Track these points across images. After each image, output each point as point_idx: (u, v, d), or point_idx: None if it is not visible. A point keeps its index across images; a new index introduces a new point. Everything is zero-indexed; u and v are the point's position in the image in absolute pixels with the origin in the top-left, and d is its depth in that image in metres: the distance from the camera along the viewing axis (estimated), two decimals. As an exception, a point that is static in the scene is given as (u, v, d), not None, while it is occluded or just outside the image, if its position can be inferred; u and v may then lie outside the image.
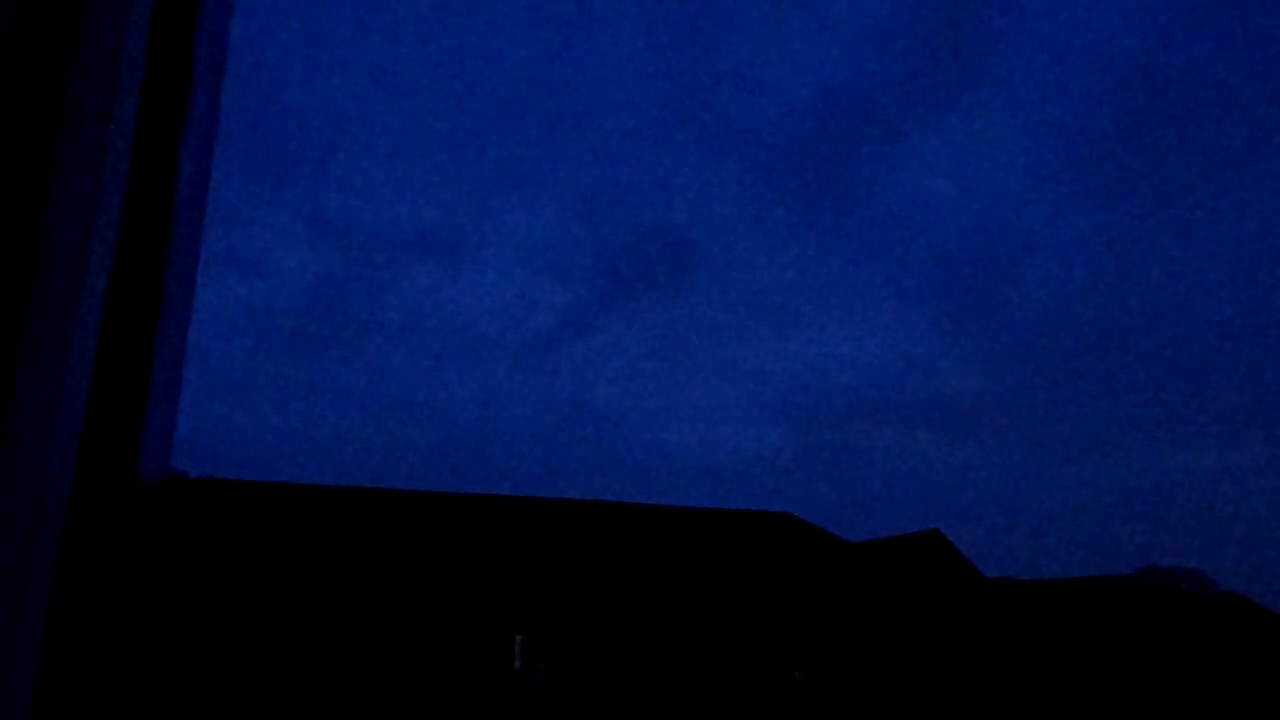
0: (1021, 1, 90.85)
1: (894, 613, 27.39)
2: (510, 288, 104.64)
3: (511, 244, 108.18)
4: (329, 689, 22.76)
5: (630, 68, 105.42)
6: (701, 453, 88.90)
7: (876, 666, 26.19)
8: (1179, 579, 32.02)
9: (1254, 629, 29.91)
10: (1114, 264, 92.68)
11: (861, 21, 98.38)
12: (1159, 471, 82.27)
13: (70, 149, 0.87)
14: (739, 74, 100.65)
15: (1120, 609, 30.03)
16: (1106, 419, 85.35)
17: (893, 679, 25.99)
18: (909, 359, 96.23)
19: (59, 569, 0.82)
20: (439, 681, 24.68)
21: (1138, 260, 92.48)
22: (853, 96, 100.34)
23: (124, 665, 0.97)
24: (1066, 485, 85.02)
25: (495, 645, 25.29)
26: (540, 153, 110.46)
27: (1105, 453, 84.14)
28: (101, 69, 0.90)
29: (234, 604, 23.97)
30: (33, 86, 0.86)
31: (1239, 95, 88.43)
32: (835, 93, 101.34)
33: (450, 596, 25.52)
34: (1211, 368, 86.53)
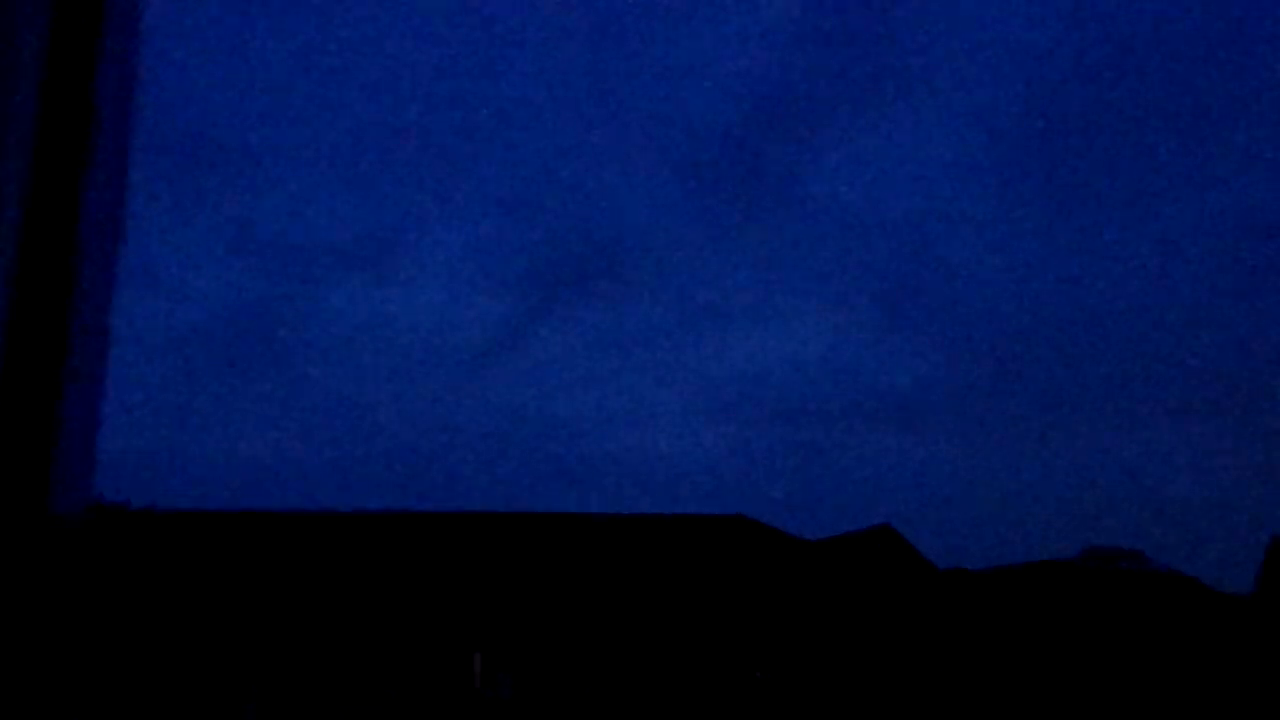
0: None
1: (850, 608, 27.65)
2: (443, 298, 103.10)
3: (442, 253, 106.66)
4: (283, 720, 22.17)
5: (552, 69, 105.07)
6: (650, 459, 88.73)
7: (835, 662, 26.38)
8: (1120, 559, 32.30)
9: (1193, 605, 30.69)
10: (1046, 253, 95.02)
11: (783, 18, 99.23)
12: (1099, 454, 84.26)
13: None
14: (661, 72, 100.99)
15: (1065, 592, 30.52)
16: (1046, 405, 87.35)
17: (851, 673, 26.18)
18: (849, 354, 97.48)
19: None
20: (397, 706, 24.22)
21: (1070, 249, 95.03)
22: (777, 93, 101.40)
23: (49, 707, 0.91)
24: (1011, 472, 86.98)
25: (454, 664, 24.94)
26: (466, 158, 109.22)
27: (1046, 438, 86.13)
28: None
29: (179, 638, 23.24)
30: None
31: (1162, 88, 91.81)
32: (760, 89, 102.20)
33: (404, 617, 25.10)
34: (1145, 353, 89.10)
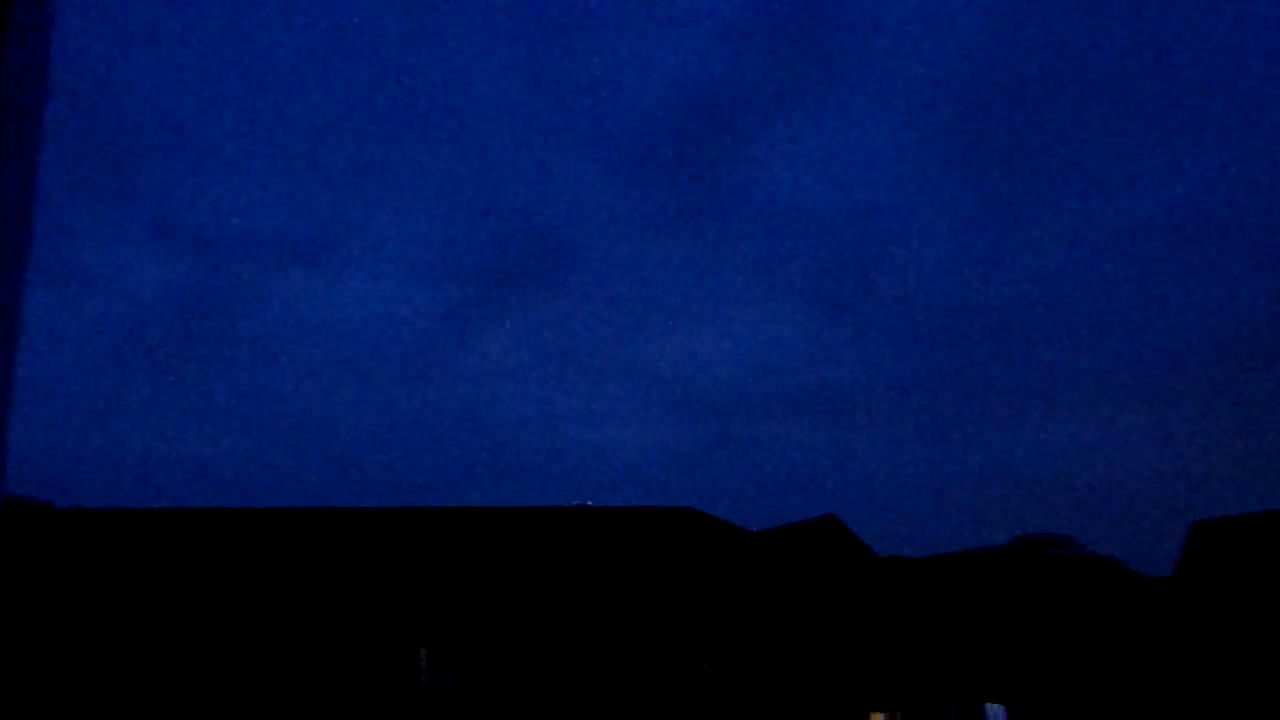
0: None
1: (796, 598, 27.94)
2: (384, 293, 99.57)
3: (381, 248, 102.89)
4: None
5: (494, 64, 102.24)
6: (595, 454, 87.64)
7: (782, 651, 26.64)
8: (1050, 545, 33.10)
9: (1120, 589, 31.44)
10: (977, 250, 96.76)
11: (723, 14, 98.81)
12: (1030, 444, 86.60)
13: None
14: (603, 68, 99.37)
15: (996, 578, 31.10)
16: (979, 397, 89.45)
17: (800, 662, 26.47)
18: (790, 349, 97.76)
19: None
20: (343, 704, 23.71)
21: (999, 245, 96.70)
22: (717, 88, 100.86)
23: None
24: (946, 463, 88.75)
25: (400, 661, 24.51)
26: (407, 151, 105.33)
27: (979, 430, 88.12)
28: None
29: (107, 639, 22.32)
30: None
31: (1096, 85, 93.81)
32: (700, 85, 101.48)
33: (349, 615, 24.57)
34: (1072, 346, 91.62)
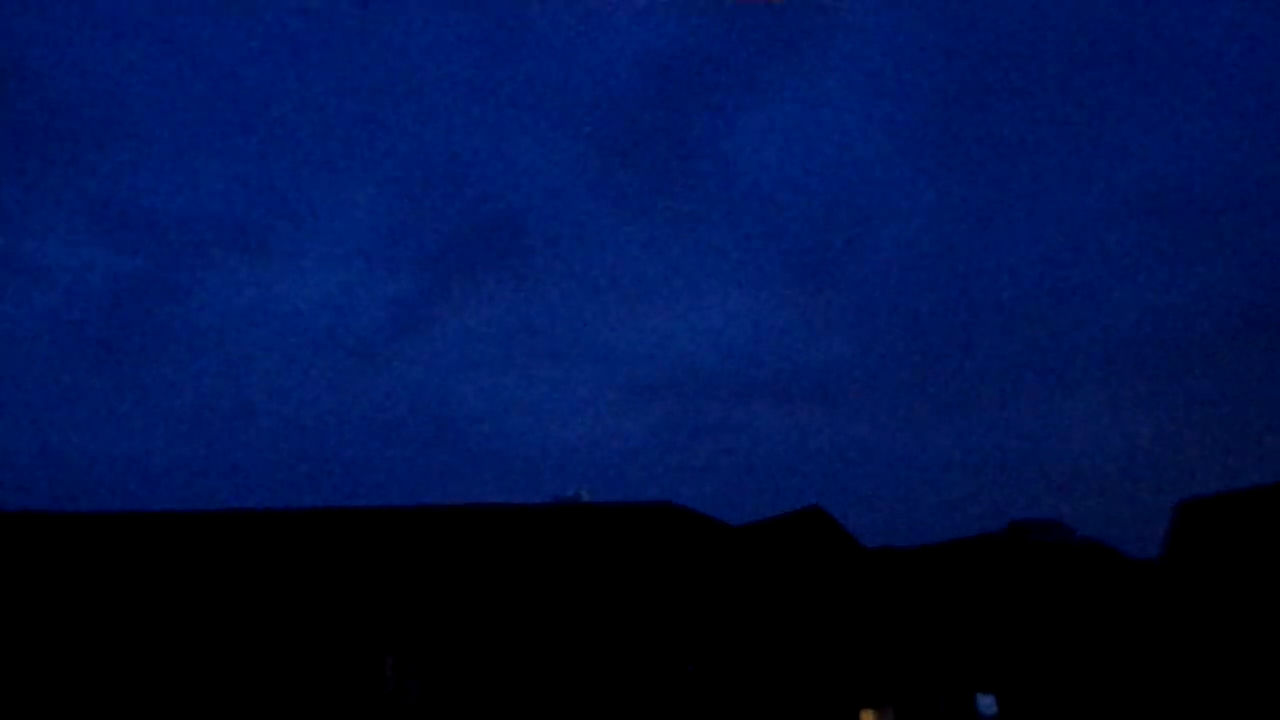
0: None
1: (782, 592, 26.94)
2: (334, 280, 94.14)
3: (331, 232, 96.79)
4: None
5: (448, 33, 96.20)
6: (565, 446, 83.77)
7: (769, 649, 25.62)
8: (1042, 531, 32.26)
9: (1110, 574, 30.76)
10: (961, 226, 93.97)
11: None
12: (1018, 427, 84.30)
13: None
14: (566, 38, 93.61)
15: (987, 567, 30.42)
16: (965, 380, 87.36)
17: (785, 660, 25.47)
18: (768, 331, 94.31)
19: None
20: (304, 712, 22.42)
21: (983, 222, 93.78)
22: (686, 56, 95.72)
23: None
24: (933, 447, 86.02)
25: (364, 668, 23.24)
26: (358, 129, 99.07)
27: (967, 412, 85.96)
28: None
29: (51, 648, 20.91)
30: None
31: (1083, 54, 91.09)
32: (668, 52, 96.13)
33: (309, 621, 23.21)
34: (1060, 326, 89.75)
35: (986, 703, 27.47)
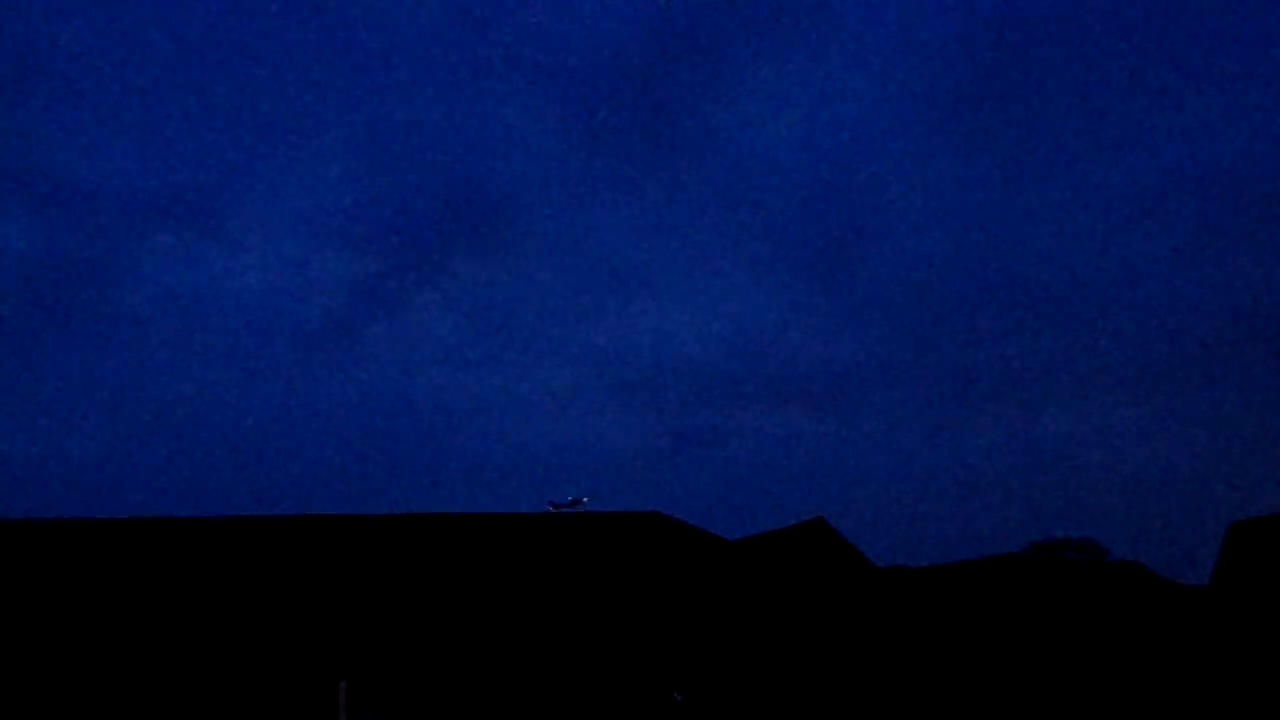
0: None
1: (781, 614, 24.92)
2: (286, 260, 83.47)
3: (284, 206, 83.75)
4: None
5: None
6: (544, 448, 75.75)
7: (765, 675, 23.40)
8: (1072, 550, 31.78)
9: (1150, 599, 28.82)
10: (982, 214, 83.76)
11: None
12: (1045, 436, 76.15)
13: None
14: (548, 2, 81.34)
15: (1012, 588, 28.53)
16: (986, 383, 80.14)
17: (783, 687, 23.27)
18: (768, 327, 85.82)
19: None
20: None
21: (1007, 209, 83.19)
22: (679, 27, 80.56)
23: None
24: (952, 456, 78.14)
25: (315, 696, 21.08)
26: (316, 94, 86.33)
27: (989, 418, 78.76)
28: None
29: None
30: None
31: (1120, 22, 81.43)
32: (657, 20, 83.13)
33: (257, 641, 21.04)
34: (1094, 323, 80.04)
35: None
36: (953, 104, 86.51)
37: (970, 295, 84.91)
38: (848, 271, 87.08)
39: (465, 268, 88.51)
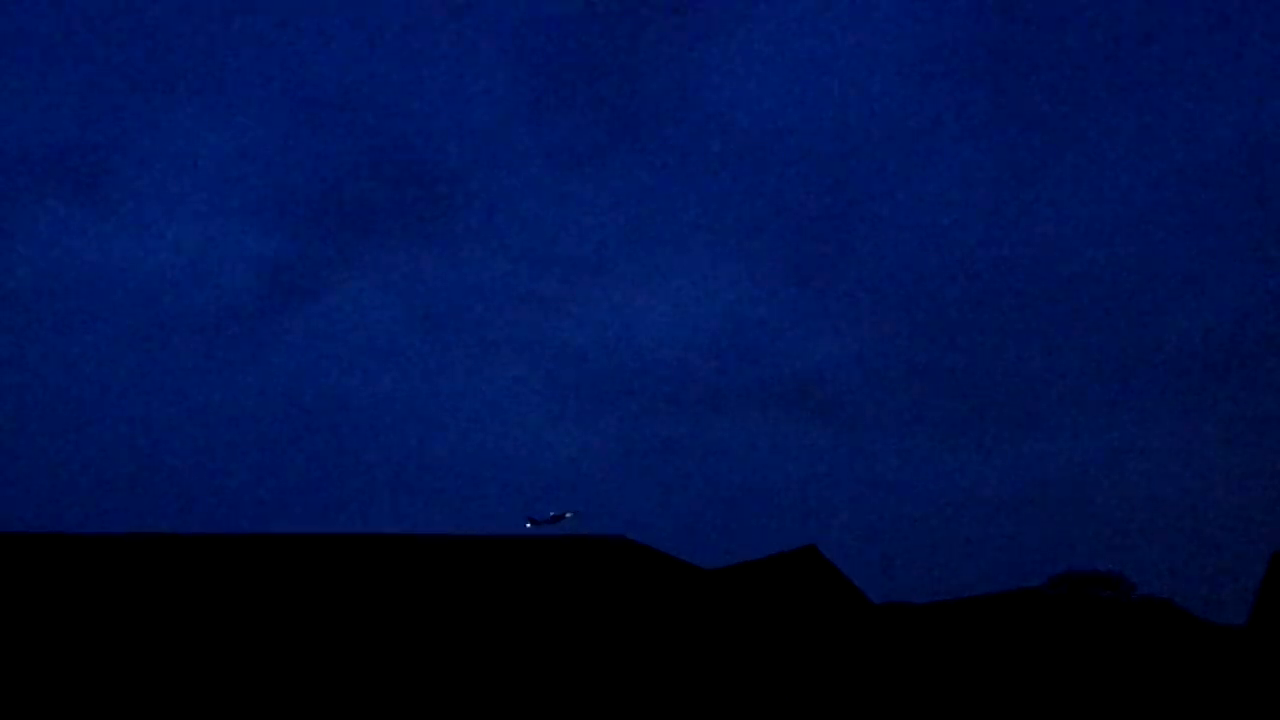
0: None
1: (765, 650, 22.88)
2: (191, 233, 69.81)
3: (189, 172, 72.65)
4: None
5: None
6: (494, 456, 65.28)
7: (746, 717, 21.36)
8: (1095, 585, 29.39)
9: (1180, 638, 27.32)
10: (996, 197, 71.51)
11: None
12: (1071, 456, 66.95)
13: None
14: None
15: (1027, 627, 27.22)
16: (997, 391, 70.45)
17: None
18: (756, 323, 74.38)
19: None
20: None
21: (1024, 192, 70.85)
22: None
23: None
24: (957, 477, 67.79)
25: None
26: (228, 42, 73.60)
27: (1001, 431, 69.51)
28: None
29: None
30: None
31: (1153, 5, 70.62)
32: None
33: (169, 668, 18.94)
34: (1120, 327, 69.79)
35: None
36: (965, 69, 75.65)
37: (983, 290, 74.98)
38: (845, 260, 76.62)
39: (401, 248, 77.29)
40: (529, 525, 27.67)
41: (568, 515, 26.98)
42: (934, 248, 74.34)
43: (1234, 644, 26.88)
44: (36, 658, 18.82)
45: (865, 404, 73.30)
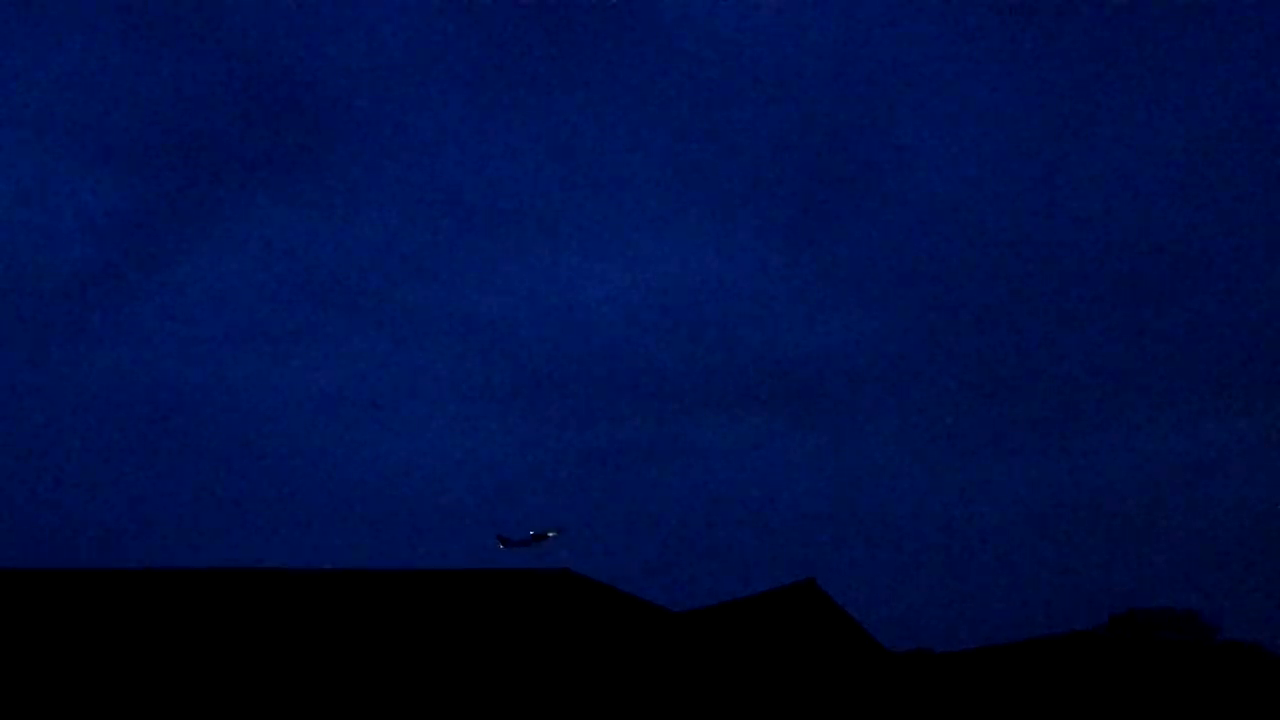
0: None
1: (757, 700, 20.96)
2: (22, 184, 52.46)
3: (17, 106, 55.97)
4: None
5: None
6: (403, 465, 48.42)
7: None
8: (1167, 626, 27.95)
9: (1273, 691, 25.73)
10: (1026, 155, 55.11)
11: None
12: (1132, 464, 52.90)
13: None
14: None
15: (1083, 678, 25.46)
16: (1036, 385, 55.27)
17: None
18: (737, 303, 57.79)
19: None
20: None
21: (1055, 149, 55.44)
22: None
23: None
24: (985, 493, 53.56)
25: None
26: None
27: (1039, 438, 54.08)
28: None
29: None
30: None
31: None
32: None
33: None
34: (1169, 307, 55.27)
35: None
36: (990, 7, 61.97)
37: (1007, 272, 60.59)
38: (844, 226, 61.18)
39: (277, 202, 61.60)
40: (501, 547, 25.23)
41: (550, 535, 24.59)
42: (951, 212, 62.13)
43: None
44: None
45: (866, 400, 59.60)
